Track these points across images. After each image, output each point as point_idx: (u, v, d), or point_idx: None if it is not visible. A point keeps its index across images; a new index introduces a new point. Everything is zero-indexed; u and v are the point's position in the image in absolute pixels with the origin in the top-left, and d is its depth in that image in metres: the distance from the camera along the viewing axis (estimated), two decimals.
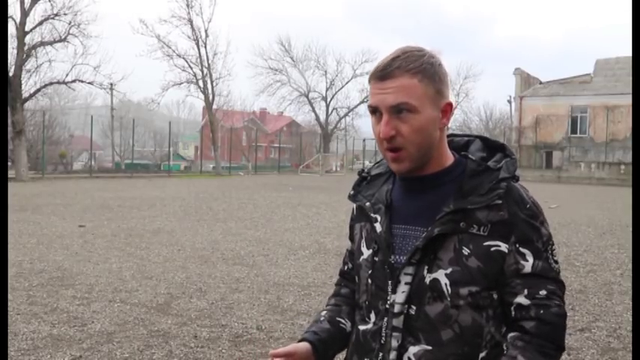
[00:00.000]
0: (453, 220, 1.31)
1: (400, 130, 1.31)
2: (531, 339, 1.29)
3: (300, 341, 1.46)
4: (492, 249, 1.30)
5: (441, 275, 1.31)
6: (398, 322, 1.34)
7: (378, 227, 1.40)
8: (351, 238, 1.56)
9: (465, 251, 1.30)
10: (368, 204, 1.45)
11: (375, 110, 1.34)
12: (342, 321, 1.52)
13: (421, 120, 1.31)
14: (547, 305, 1.30)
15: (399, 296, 1.34)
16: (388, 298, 1.36)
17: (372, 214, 1.43)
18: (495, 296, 1.33)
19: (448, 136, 1.48)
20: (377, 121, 1.34)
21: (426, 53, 1.33)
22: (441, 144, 1.38)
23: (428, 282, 1.32)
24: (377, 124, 1.34)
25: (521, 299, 1.31)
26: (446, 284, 1.30)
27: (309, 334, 1.47)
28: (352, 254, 1.56)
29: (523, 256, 1.31)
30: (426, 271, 1.32)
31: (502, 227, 1.31)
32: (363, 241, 1.46)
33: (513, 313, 1.32)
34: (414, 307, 1.33)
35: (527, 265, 1.31)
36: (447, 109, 1.35)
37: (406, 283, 1.34)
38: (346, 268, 1.63)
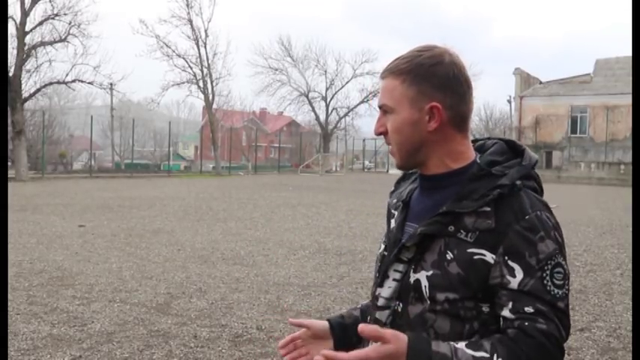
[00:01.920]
0: (440, 222, 1.29)
1: (387, 128, 1.36)
2: (507, 339, 1.19)
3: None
4: (475, 257, 1.24)
5: (422, 277, 1.29)
6: (380, 315, 1.36)
7: (392, 223, 1.44)
8: None
9: (449, 256, 1.27)
10: (394, 201, 1.49)
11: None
12: None
13: (397, 121, 1.33)
14: (533, 319, 1.19)
15: (385, 290, 1.36)
16: (376, 291, 1.39)
17: (392, 211, 1.47)
18: (486, 309, 1.26)
19: (482, 139, 1.46)
20: None
21: (423, 53, 1.32)
22: (441, 146, 1.34)
23: (412, 282, 1.31)
24: None
25: (505, 312, 1.22)
26: (425, 286, 1.28)
27: (334, 316, 1.55)
28: None
29: (511, 270, 1.21)
30: (412, 271, 1.32)
31: (490, 236, 1.24)
32: (384, 236, 1.50)
33: (501, 324, 1.24)
34: (400, 305, 1.34)
35: (514, 281, 1.21)
36: (435, 112, 1.30)
37: (394, 280, 1.35)
38: None
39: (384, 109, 1.35)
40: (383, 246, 1.46)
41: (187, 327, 5.12)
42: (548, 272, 1.22)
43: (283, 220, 13.12)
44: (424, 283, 1.29)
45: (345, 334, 1.50)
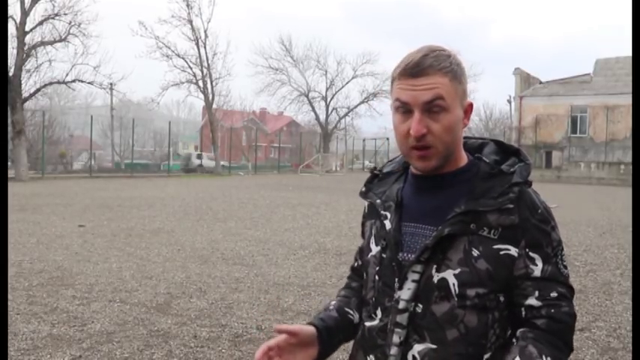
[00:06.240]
0: (463, 221, 1.31)
1: (431, 128, 1.30)
2: (542, 333, 1.29)
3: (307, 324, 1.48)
4: (502, 252, 1.31)
5: (449, 275, 1.31)
6: (401, 318, 1.35)
7: (388, 224, 1.41)
8: (363, 235, 1.58)
9: (475, 253, 1.31)
10: (379, 201, 1.46)
11: (403, 107, 1.32)
12: (350, 312, 1.54)
13: (451, 119, 1.31)
14: (558, 305, 1.31)
15: (405, 293, 1.35)
16: (394, 294, 1.37)
17: (382, 212, 1.44)
18: (502, 299, 1.33)
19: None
20: (403, 119, 1.33)
21: (451, 54, 1.34)
22: (459, 144, 1.39)
23: (436, 281, 1.32)
24: (402, 122, 1.33)
25: (532, 301, 1.31)
26: (454, 284, 1.31)
27: (316, 320, 1.50)
28: (362, 251, 1.58)
29: (532, 260, 1.31)
30: (434, 270, 1.33)
31: (512, 231, 1.31)
32: (373, 238, 1.47)
33: (524, 313, 1.33)
34: (420, 306, 1.34)
35: (537, 269, 1.31)
36: (469, 110, 1.37)
37: (413, 281, 1.35)
38: (356, 264, 1.64)
39: (435, 105, 1.29)
40: (378, 248, 1.43)
41: (187, 327, 5.12)
42: (559, 257, 1.35)
43: (283, 220, 13.12)
44: (452, 281, 1.31)
45: (330, 339, 1.48)
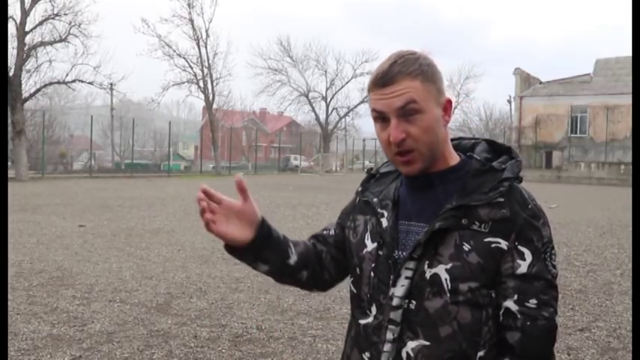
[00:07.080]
0: (454, 215, 1.33)
1: (410, 132, 1.32)
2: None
3: None
4: (492, 245, 1.31)
5: (441, 270, 1.32)
6: (395, 315, 1.36)
7: (384, 222, 1.43)
8: (342, 223, 1.60)
9: (466, 247, 1.31)
10: (375, 199, 1.48)
11: (380, 116, 1.36)
12: (292, 249, 1.53)
13: (429, 119, 1.33)
14: (534, 317, 1.30)
15: (399, 290, 1.36)
16: (389, 291, 1.37)
17: (378, 210, 1.46)
18: (494, 296, 1.34)
19: (456, 138, 1.51)
20: (382, 128, 1.36)
21: (420, 55, 1.36)
22: (446, 142, 1.40)
23: (428, 277, 1.33)
24: (383, 131, 1.36)
25: (509, 303, 1.31)
26: (446, 279, 1.31)
27: (264, 219, 1.49)
28: (341, 226, 1.60)
29: (521, 254, 1.31)
30: (426, 266, 1.33)
31: (503, 225, 1.32)
32: (368, 234, 1.47)
33: (501, 317, 1.33)
34: (413, 302, 1.34)
35: (524, 264, 1.31)
36: (448, 106, 1.38)
37: (406, 278, 1.35)
38: (325, 232, 1.63)
39: (409, 109, 1.31)
40: (374, 245, 1.44)
41: (187, 327, 5.12)
42: (548, 254, 1.34)
43: (283, 220, 13.12)
44: (444, 276, 1.32)
45: (265, 242, 1.47)
